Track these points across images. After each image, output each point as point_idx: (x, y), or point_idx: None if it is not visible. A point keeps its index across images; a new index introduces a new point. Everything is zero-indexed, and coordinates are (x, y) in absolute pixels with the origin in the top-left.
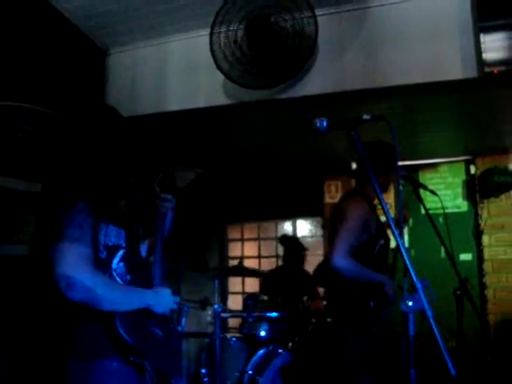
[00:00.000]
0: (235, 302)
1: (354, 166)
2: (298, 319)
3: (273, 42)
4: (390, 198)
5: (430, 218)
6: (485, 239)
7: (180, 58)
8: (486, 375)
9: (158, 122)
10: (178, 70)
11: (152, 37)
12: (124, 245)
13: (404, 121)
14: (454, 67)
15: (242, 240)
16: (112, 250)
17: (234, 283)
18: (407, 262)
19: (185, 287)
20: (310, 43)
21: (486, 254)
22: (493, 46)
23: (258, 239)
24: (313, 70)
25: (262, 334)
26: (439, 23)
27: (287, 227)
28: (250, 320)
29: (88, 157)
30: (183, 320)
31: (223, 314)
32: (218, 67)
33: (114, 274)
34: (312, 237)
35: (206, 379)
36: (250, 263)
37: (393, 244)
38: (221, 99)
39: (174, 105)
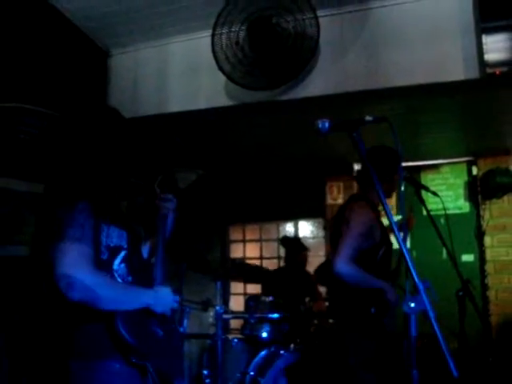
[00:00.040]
0: (237, 304)
1: (356, 167)
2: (299, 320)
3: (274, 43)
4: (391, 201)
5: (432, 219)
6: (487, 240)
7: (181, 60)
8: (488, 376)
9: (159, 123)
10: (180, 71)
11: (153, 38)
12: (125, 246)
13: (406, 122)
14: (455, 68)
15: (244, 241)
16: (113, 251)
17: (236, 284)
18: (409, 264)
19: (186, 288)
20: (311, 44)
21: (488, 255)
22: (495, 46)
23: (259, 240)
24: (314, 71)
25: (264, 335)
26: (441, 24)
27: (289, 228)
28: (252, 321)
29: (89, 157)
30: (185, 321)
31: (225, 316)
32: (220, 68)
33: (116, 275)
34: (314, 238)
35: (207, 380)
36: None
37: (395, 245)
38: (222, 100)
39: (175, 106)
